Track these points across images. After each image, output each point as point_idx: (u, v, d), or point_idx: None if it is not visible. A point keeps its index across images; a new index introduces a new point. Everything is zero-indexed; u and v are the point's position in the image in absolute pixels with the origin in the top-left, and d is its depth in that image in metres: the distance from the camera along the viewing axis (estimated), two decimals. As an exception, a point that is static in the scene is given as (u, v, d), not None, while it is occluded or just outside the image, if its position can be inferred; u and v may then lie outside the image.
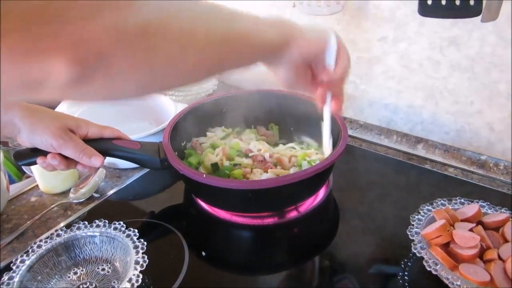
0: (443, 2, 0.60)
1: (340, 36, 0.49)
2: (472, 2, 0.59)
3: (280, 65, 0.46)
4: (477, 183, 0.73)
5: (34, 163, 0.57)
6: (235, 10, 0.38)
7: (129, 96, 0.33)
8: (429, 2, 0.61)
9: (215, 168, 0.67)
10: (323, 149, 0.63)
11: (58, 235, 0.56)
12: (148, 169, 0.78)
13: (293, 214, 0.65)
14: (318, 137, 0.75)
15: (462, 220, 0.55)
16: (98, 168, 0.58)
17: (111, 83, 0.29)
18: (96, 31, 0.26)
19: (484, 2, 0.59)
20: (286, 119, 0.81)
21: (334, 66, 0.49)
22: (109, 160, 0.77)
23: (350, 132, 0.75)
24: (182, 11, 0.32)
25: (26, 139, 0.54)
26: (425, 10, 0.62)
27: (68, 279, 0.54)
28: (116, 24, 0.27)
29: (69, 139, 0.54)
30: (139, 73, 0.30)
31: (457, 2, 0.60)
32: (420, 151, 0.83)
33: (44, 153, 0.55)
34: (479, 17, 0.60)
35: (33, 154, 0.56)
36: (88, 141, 0.57)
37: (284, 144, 0.76)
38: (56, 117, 0.55)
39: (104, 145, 0.58)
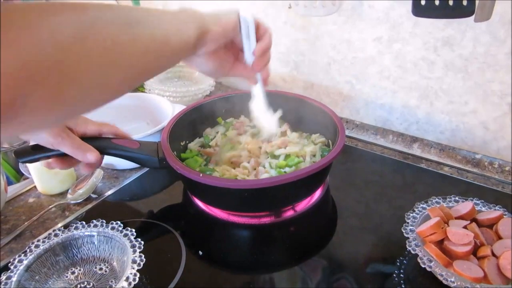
0: (437, 3, 0.61)
1: (254, 15, 0.48)
2: (465, 2, 0.60)
3: (199, 58, 0.45)
4: (472, 181, 0.74)
5: (35, 160, 0.57)
6: (150, 12, 0.36)
7: (51, 126, 0.32)
8: (423, 3, 0.62)
9: None
10: (266, 129, 0.63)
11: (55, 235, 0.56)
12: (145, 170, 0.79)
13: (289, 213, 0.66)
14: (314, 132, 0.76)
15: (456, 218, 0.56)
16: (96, 167, 0.58)
17: (28, 121, 0.26)
18: (9, 67, 0.22)
19: (477, 2, 0.59)
20: (285, 119, 0.82)
21: (255, 44, 0.48)
22: (106, 161, 0.77)
23: (346, 132, 0.75)
24: (102, 28, 0.29)
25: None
26: (418, 10, 0.62)
27: (66, 278, 0.54)
28: (28, 57, 0.23)
29: (67, 136, 0.54)
30: (58, 108, 0.27)
31: (450, 3, 0.60)
32: (415, 150, 0.84)
33: (45, 151, 0.56)
34: (472, 17, 0.60)
35: (34, 151, 0.56)
36: (87, 139, 0.57)
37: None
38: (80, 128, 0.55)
39: (103, 144, 0.59)
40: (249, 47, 0.49)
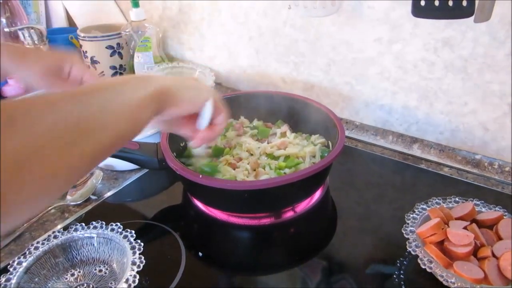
0: (436, 3, 0.61)
1: (218, 97, 0.50)
2: (465, 3, 0.60)
3: (155, 123, 0.48)
4: (472, 182, 0.74)
5: None
6: (100, 100, 0.34)
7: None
8: (422, 3, 0.61)
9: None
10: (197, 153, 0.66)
11: (55, 237, 0.56)
12: (145, 171, 0.78)
13: (289, 214, 0.66)
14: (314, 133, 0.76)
15: (456, 219, 0.55)
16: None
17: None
18: None
19: (476, 3, 0.59)
20: (285, 120, 0.82)
21: (209, 123, 0.50)
22: (106, 162, 0.77)
23: (346, 132, 0.75)
24: (55, 129, 0.28)
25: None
26: (418, 11, 0.62)
27: (65, 280, 0.54)
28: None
29: (52, 82, 0.55)
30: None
31: (450, 3, 0.60)
32: (415, 151, 0.84)
33: None
34: (472, 18, 0.60)
35: None
36: None
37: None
38: (37, 58, 0.55)
39: None
40: (203, 126, 0.50)
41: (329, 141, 0.74)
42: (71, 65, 0.56)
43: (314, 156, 0.70)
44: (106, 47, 1.05)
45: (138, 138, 0.72)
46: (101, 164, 0.78)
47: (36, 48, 0.56)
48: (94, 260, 0.57)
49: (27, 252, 0.54)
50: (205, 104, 0.48)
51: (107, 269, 0.56)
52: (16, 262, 0.52)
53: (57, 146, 0.28)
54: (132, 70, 1.06)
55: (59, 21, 1.31)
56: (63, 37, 1.16)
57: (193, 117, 0.50)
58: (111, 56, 1.06)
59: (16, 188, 0.25)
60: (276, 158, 0.69)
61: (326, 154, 0.65)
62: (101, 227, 0.57)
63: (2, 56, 0.53)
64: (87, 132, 0.31)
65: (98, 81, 0.37)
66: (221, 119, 0.51)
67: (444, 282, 0.47)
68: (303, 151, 0.70)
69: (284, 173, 0.65)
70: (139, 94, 0.38)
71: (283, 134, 0.78)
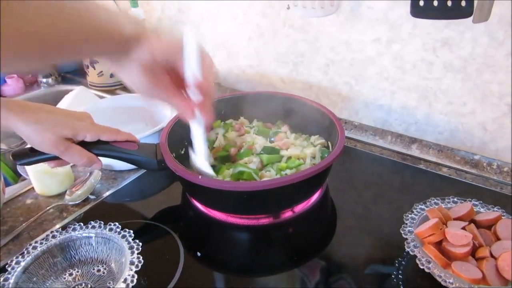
0: (435, 3, 0.61)
1: (199, 41, 0.44)
2: (463, 3, 0.60)
3: (130, 66, 0.42)
4: (471, 182, 0.74)
5: (32, 163, 0.57)
6: (90, 1, 0.37)
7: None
8: (421, 3, 0.62)
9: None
10: (201, 167, 0.56)
11: (53, 237, 0.56)
12: (144, 171, 0.78)
13: (288, 214, 0.66)
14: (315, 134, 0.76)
15: (454, 219, 0.55)
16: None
17: None
18: None
19: (475, 3, 0.59)
20: (285, 120, 0.82)
21: (198, 72, 0.44)
22: (105, 162, 0.77)
23: (345, 133, 0.75)
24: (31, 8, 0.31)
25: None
26: (417, 11, 0.62)
27: (64, 280, 0.54)
28: None
29: (65, 150, 0.54)
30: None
31: (449, 3, 0.60)
32: (414, 151, 0.84)
33: (42, 153, 0.56)
34: (471, 18, 0.60)
35: (32, 154, 0.56)
36: (86, 142, 0.57)
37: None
38: (53, 125, 0.54)
39: (102, 146, 0.59)
40: (191, 72, 0.43)
41: (328, 142, 0.74)
42: (85, 134, 0.56)
43: (314, 157, 0.70)
44: (105, 47, 1.05)
45: (138, 137, 0.72)
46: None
47: (48, 111, 0.54)
48: (93, 260, 0.57)
49: (25, 252, 0.53)
50: (185, 38, 0.41)
51: (105, 268, 0.55)
52: (14, 262, 0.52)
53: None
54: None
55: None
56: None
57: (177, 83, 0.45)
58: (110, 56, 1.06)
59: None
60: (278, 158, 0.69)
61: (326, 155, 0.65)
62: (100, 227, 0.57)
63: (15, 122, 0.52)
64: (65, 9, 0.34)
65: None
66: (208, 60, 0.44)
67: (442, 282, 0.47)
68: (303, 152, 0.70)
69: (285, 174, 0.65)
70: (122, 13, 0.40)
71: (284, 135, 0.78)
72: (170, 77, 0.44)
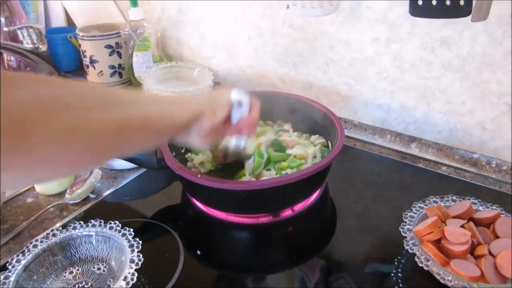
0: (434, 3, 0.61)
1: (245, 93, 0.51)
2: (462, 2, 0.60)
3: (190, 136, 0.47)
4: (470, 181, 0.74)
5: None
6: (138, 93, 0.37)
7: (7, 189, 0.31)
8: (420, 3, 0.62)
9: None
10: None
11: (53, 235, 0.56)
12: (144, 170, 0.79)
13: (288, 213, 0.66)
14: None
15: (453, 217, 0.56)
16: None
17: None
18: None
19: (474, 2, 0.59)
20: (285, 119, 0.82)
21: (246, 115, 0.52)
22: (105, 161, 0.77)
23: (344, 132, 0.75)
24: (71, 102, 0.29)
25: None
26: (415, 10, 0.62)
27: (64, 278, 0.54)
28: None
29: None
30: (12, 175, 0.27)
31: (448, 2, 0.61)
32: (413, 150, 0.84)
33: None
34: (470, 17, 0.60)
35: None
36: None
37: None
38: None
39: None
40: (239, 115, 0.52)
41: (328, 142, 0.74)
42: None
43: (315, 157, 0.70)
44: (105, 47, 1.05)
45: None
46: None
47: None
48: (93, 258, 0.57)
49: (26, 250, 0.54)
50: (231, 93, 0.50)
51: (105, 267, 0.56)
52: (15, 260, 0.52)
53: (73, 110, 0.29)
54: (130, 70, 1.06)
55: (58, 21, 1.31)
56: (62, 36, 1.16)
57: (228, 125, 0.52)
58: (110, 55, 1.06)
59: (24, 141, 0.26)
60: (285, 157, 0.69)
61: (326, 154, 0.65)
62: (100, 225, 0.57)
63: None
64: (111, 104, 0.33)
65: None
66: (254, 106, 0.52)
67: (441, 280, 0.47)
68: (306, 152, 0.70)
69: (286, 173, 0.65)
70: (175, 100, 0.42)
71: (287, 134, 0.78)
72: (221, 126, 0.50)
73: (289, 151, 0.70)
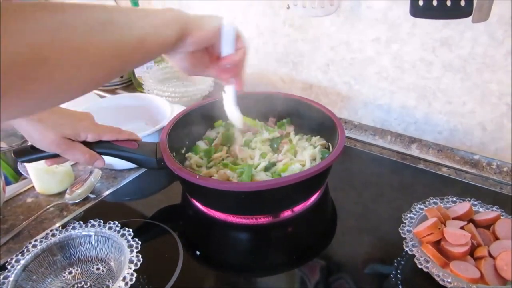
0: (434, 3, 0.61)
1: (234, 24, 0.50)
2: (463, 3, 0.60)
3: (176, 55, 0.47)
4: (470, 182, 0.74)
5: (34, 160, 0.57)
6: (131, 11, 0.38)
7: (20, 116, 0.34)
8: (421, 3, 0.62)
9: None
10: (233, 120, 0.64)
11: (53, 235, 0.56)
12: (144, 170, 0.79)
13: (287, 213, 0.66)
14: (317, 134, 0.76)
15: (453, 218, 0.56)
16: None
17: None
18: None
19: (475, 3, 0.59)
20: (285, 119, 0.82)
21: (233, 50, 0.50)
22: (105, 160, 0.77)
23: (345, 133, 0.75)
24: (75, 26, 0.31)
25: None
26: (416, 11, 0.62)
27: (63, 278, 0.54)
28: (7, 53, 0.25)
29: (66, 148, 0.55)
30: (28, 101, 0.30)
31: (448, 3, 0.60)
32: (414, 151, 0.84)
33: (43, 151, 0.56)
34: (470, 17, 0.60)
35: (33, 151, 0.57)
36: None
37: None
38: (55, 125, 0.55)
39: (102, 144, 0.59)
40: (227, 53, 0.51)
41: (329, 143, 0.73)
42: (86, 135, 0.57)
43: (314, 159, 0.70)
44: (105, 47, 1.05)
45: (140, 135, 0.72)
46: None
47: (51, 111, 0.55)
48: (92, 258, 0.57)
49: (25, 250, 0.54)
50: (223, 25, 0.48)
51: (104, 267, 0.56)
52: (14, 260, 0.52)
53: (88, 30, 0.31)
54: (131, 70, 1.06)
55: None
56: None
57: (215, 58, 0.51)
58: (110, 55, 1.06)
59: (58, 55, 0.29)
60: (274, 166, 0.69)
61: (326, 156, 0.65)
62: (99, 225, 0.57)
63: (17, 119, 0.53)
64: (112, 29, 0.34)
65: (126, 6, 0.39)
66: (242, 40, 0.51)
67: (441, 282, 0.47)
68: (302, 155, 0.70)
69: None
70: (163, 16, 0.41)
71: (287, 135, 0.78)
72: (209, 55, 0.50)
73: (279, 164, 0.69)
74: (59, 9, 0.30)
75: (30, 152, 0.57)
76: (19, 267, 0.51)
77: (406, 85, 0.81)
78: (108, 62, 0.35)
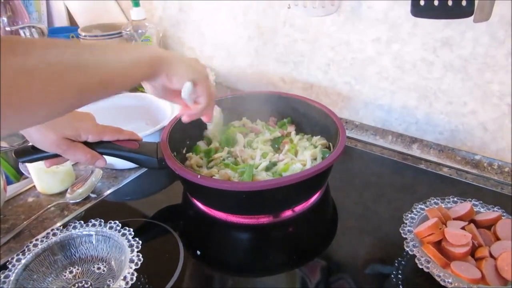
0: (436, 3, 0.61)
1: (206, 80, 0.54)
2: (464, 3, 0.60)
3: (147, 84, 0.52)
4: (471, 182, 0.74)
5: (35, 160, 0.57)
6: (106, 49, 0.40)
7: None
8: (422, 3, 0.62)
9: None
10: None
11: (54, 234, 0.56)
12: (145, 170, 0.79)
13: (288, 213, 0.66)
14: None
15: (454, 219, 0.55)
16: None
17: None
18: None
19: (476, 3, 0.59)
20: (285, 118, 0.82)
21: (191, 104, 0.54)
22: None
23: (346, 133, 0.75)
24: (36, 70, 0.32)
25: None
26: (417, 11, 0.62)
27: (64, 278, 0.54)
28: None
29: (67, 149, 0.56)
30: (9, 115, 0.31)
31: (450, 3, 0.60)
32: (415, 151, 0.84)
33: (44, 151, 0.56)
34: (472, 17, 0.60)
35: (34, 151, 0.57)
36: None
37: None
38: (56, 125, 0.55)
39: (103, 144, 0.59)
40: (185, 100, 0.54)
41: (330, 143, 0.73)
42: (87, 135, 0.57)
43: (315, 159, 0.70)
44: (106, 46, 1.05)
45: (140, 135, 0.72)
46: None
47: None
48: (93, 258, 0.57)
49: (26, 250, 0.54)
50: (185, 83, 0.51)
51: (105, 266, 0.56)
52: (15, 259, 0.52)
53: (50, 74, 0.33)
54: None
55: (60, 20, 1.31)
56: (65, 36, 1.17)
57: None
58: (111, 55, 1.06)
59: (14, 100, 0.31)
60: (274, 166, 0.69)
61: (327, 155, 0.65)
62: (100, 225, 0.57)
63: None
64: (75, 72, 0.36)
65: (105, 42, 0.41)
66: (201, 100, 0.54)
67: (442, 282, 0.47)
68: (304, 156, 0.70)
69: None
70: (135, 56, 0.43)
71: (288, 134, 0.78)
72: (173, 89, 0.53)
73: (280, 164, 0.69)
74: (23, 52, 0.32)
75: (31, 152, 0.57)
76: (20, 266, 0.52)
77: (407, 85, 0.81)
78: (68, 101, 0.37)
